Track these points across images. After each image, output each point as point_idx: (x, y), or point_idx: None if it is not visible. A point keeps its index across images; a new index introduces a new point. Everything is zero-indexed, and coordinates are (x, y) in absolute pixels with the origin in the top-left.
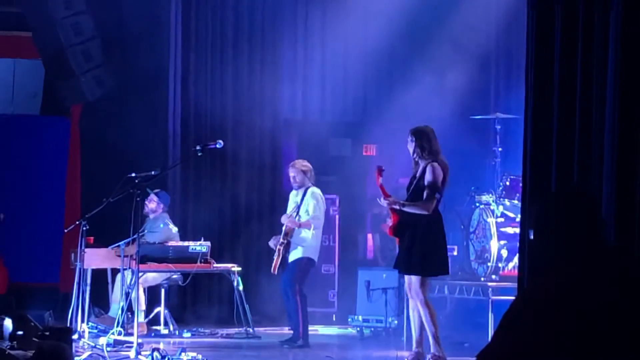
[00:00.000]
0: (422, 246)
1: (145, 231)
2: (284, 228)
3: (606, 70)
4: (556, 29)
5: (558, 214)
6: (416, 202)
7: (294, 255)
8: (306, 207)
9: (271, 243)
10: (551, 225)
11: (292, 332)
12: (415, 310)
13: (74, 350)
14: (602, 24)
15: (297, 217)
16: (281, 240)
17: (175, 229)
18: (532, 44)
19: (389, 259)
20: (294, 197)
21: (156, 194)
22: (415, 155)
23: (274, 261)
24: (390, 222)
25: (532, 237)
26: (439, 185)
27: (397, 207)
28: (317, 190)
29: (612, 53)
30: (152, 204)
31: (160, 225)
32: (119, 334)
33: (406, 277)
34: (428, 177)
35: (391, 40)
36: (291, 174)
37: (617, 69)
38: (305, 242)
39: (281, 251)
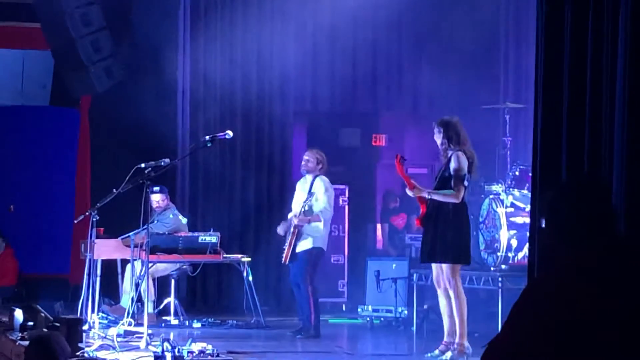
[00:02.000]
0: (451, 234)
1: (155, 221)
2: (293, 221)
3: (616, 60)
4: (566, 18)
5: (570, 203)
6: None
7: (304, 245)
8: (316, 197)
9: (280, 229)
10: (563, 215)
11: (301, 322)
12: (445, 299)
13: (84, 341)
14: (612, 13)
15: (306, 205)
16: (291, 230)
17: (184, 220)
18: (542, 33)
19: (399, 249)
20: (301, 185)
21: (160, 190)
22: (442, 146)
23: (285, 251)
24: (416, 213)
25: (543, 226)
26: (465, 172)
27: (425, 195)
28: (326, 179)
29: (622, 43)
30: (162, 201)
31: (170, 215)
32: (129, 324)
33: (435, 267)
34: (454, 166)
35: (400, 30)
36: (305, 157)
37: (627, 58)
38: (316, 233)
39: (292, 241)
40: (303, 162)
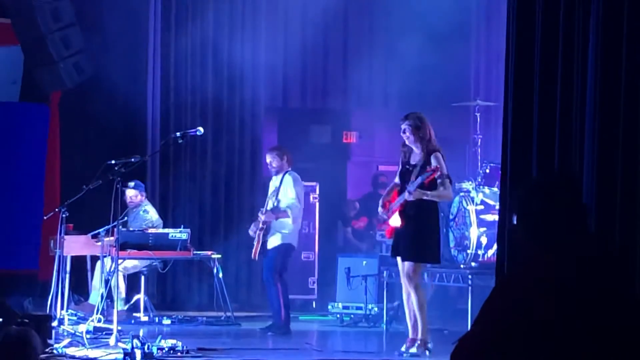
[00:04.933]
0: (420, 233)
1: (126, 218)
2: (261, 216)
3: (587, 57)
4: (537, 15)
5: (541, 200)
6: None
7: (274, 241)
8: (284, 193)
9: (251, 231)
10: (534, 212)
11: (272, 318)
12: (408, 296)
13: (53, 338)
14: (584, 11)
15: (275, 202)
16: (260, 225)
17: (156, 216)
18: (513, 30)
19: (370, 245)
20: (273, 183)
21: (134, 186)
22: (415, 142)
23: (254, 247)
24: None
25: (514, 222)
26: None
27: (425, 197)
28: (295, 175)
29: (592, 39)
30: (136, 197)
31: (145, 211)
32: (99, 321)
33: (401, 264)
34: (441, 168)
35: (371, 27)
36: (268, 159)
37: (598, 55)
38: (285, 228)
39: (260, 236)
40: (268, 166)
